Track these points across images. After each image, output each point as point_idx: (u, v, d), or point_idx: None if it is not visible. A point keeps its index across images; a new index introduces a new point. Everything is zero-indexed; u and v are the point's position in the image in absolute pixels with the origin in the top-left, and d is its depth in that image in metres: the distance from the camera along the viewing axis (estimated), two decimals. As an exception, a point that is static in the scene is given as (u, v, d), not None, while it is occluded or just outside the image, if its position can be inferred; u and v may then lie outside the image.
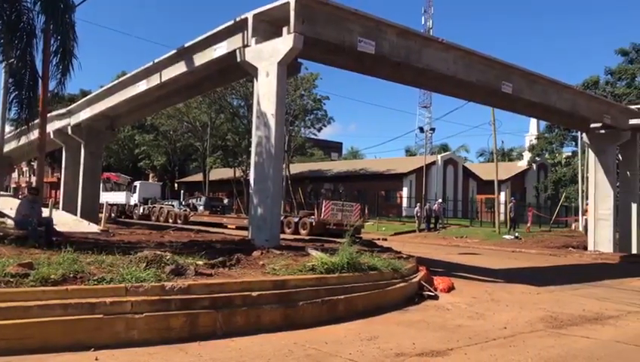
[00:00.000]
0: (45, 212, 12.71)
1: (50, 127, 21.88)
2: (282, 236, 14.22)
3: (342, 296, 7.24)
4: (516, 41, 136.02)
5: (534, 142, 49.58)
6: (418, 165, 43.41)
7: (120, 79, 21.30)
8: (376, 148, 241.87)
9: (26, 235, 9.68)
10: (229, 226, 30.01)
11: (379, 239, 22.42)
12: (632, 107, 24.12)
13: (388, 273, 8.67)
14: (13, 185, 63.12)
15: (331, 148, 76.67)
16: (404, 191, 45.46)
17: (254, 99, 12.74)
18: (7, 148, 24.35)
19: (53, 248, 8.32)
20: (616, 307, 9.13)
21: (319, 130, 46.79)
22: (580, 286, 11.98)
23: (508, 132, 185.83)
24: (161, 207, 37.51)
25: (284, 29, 11.56)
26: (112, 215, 36.53)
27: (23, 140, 18.72)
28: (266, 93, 11.95)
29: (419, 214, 33.74)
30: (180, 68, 15.79)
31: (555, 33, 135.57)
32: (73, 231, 13.62)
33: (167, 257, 6.99)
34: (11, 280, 5.58)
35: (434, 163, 46.80)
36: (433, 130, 53.05)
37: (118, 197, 41.32)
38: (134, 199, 40.61)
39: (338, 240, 11.42)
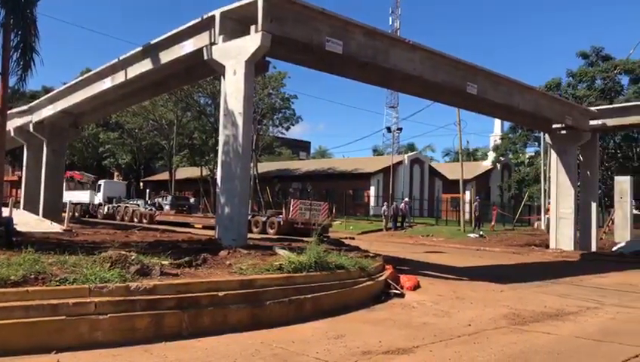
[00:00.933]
0: (5, 211, 12.37)
1: (11, 125, 21.35)
2: (250, 235, 14.16)
3: (309, 295, 7.26)
4: (481, 42, 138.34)
5: (498, 142, 50.58)
6: (385, 165, 43.78)
7: (84, 76, 20.89)
8: (344, 148, 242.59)
9: (-16, 236, 9.41)
10: (195, 226, 29.76)
11: (346, 238, 22.53)
12: (592, 109, 24.84)
13: (355, 272, 8.73)
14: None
15: (299, 148, 76.65)
16: (372, 191, 45.77)
17: (221, 98, 12.66)
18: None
19: (13, 248, 8.10)
20: (576, 303, 9.37)
21: (287, 129, 46.78)
22: (542, 283, 12.26)
23: (473, 132, 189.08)
24: (127, 207, 36.96)
25: (252, 28, 11.51)
26: (76, 214, 35.82)
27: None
28: (233, 91, 11.88)
29: (386, 213, 34.04)
30: (145, 65, 15.58)
31: (519, 36, 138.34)
32: (35, 231, 13.29)
33: (132, 257, 6.90)
34: (-31, 281, 5.42)
35: (401, 162, 47.25)
36: (400, 129, 53.69)
37: (81, 197, 40.53)
38: (99, 198, 39.91)
39: (306, 239, 11.44)
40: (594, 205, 23.72)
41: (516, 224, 37.08)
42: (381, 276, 9.53)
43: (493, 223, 34.21)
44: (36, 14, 11.88)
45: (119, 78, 16.94)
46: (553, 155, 24.06)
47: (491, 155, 54.40)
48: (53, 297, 5.37)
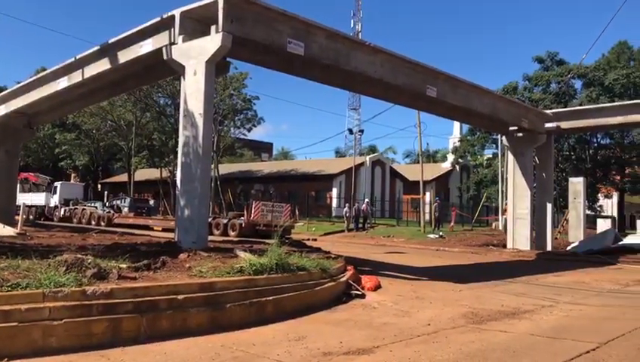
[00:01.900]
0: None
1: (-39, 125, 20.59)
2: (211, 238, 14.02)
3: (270, 297, 7.23)
4: (441, 45, 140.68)
5: (457, 144, 51.48)
6: (347, 166, 44.03)
7: (39, 75, 20.34)
8: (306, 149, 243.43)
9: None
10: (155, 228, 29.28)
11: (309, 239, 22.54)
12: (548, 112, 25.55)
13: (316, 273, 8.74)
14: None
15: (262, 149, 76.36)
16: (334, 192, 45.97)
17: (181, 98, 12.50)
18: None
19: (-38, 253, 7.80)
20: (532, 302, 9.61)
21: (249, 130, 46.61)
22: (500, 282, 12.52)
23: (433, 134, 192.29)
24: (84, 209, 36.12)
25: (213, 28, 11.42)
26: (31, 217, 34.85)
27: None
28: (193, 91, 11.74)
29: (348, 214, 34.24)
30: (103, 65, 15.26)
31: (479, 39, 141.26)
32: (-14, 235, 12.84)
33: (89, 261, 6.74)
34: None
35: (363, 164, 47.59)
36: (362, 131, 53.87)
37: (36, 199, 39.41)
38: (54, 200, 38.85)
39: (268, 241, 11.39)
40: (549, 206, 24.38)
41: (475, 224, 37.79)
42: (343, 277, 9.56)
43: (452, 224, 34.78)
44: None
45: (76, 77, 16.53)
46: (510, 157, 24.63)
47: (450, 157, 55.35)
48: (5, 303, 5.18)
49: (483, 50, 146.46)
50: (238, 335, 6.17)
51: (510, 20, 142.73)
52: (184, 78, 12.17)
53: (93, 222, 33.33)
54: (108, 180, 58.94)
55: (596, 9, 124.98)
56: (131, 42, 13.99)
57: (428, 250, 24.10)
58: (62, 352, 5.07)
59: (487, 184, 42.01)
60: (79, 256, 6.92)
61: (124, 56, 14.37)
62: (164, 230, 26.71)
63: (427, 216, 35.03)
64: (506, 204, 26.90)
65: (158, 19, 12.77)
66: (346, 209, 35.15)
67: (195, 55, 11.75)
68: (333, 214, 42.88)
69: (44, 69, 25.44)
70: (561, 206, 33.51)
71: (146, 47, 13.41)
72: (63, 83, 17.29)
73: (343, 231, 33.22)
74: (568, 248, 24.70)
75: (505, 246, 24.36)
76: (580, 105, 32.08)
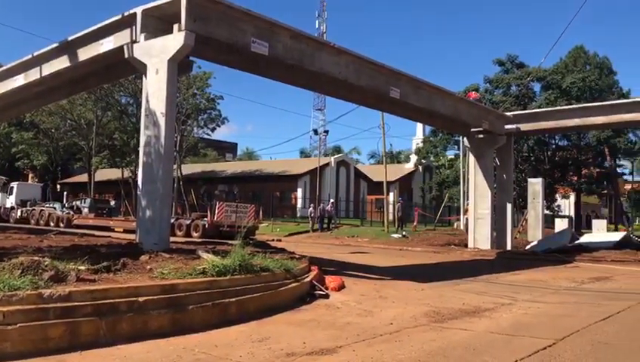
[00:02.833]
0: None
1: None
2: (173, 239, 13.84)
3: (233, 299, 7.18)
4: (405, 47, 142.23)
5: (420, 145, 52.10)
6: (312, 167, 44.10)
7: (-7, 72, 19.68)
8: (271, 150, 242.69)
9: None
10: (116, 229, 28.71)
11: (273, 240, 22.50)
12: (508, 114, 26.11)
13: (280, 274, 8.72)
14: None
15: (226, 149, 75.80)
16: (299, 192, 45.96)
17: (143, 97, 12.30)
18: None
19: None
20: (492, 300, 9.80)
21: (213, 130, 46.15)
22: (461, 281, 12.72)
23: (397, 135, 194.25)
24: (42, 210, 35.16)
25: (175, 26, 11.30)
26: (-16, 219, 33.73)
27: None
28: (155, 91, 11.58)
29: (313, 215, 34.28)
30: (62, 62, 14.90)
31: (442, 41, 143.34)
32: (-63, 237, 12.38)
33: (46, 263, 6.56)
34: None
35: (327, 164, 47.73)
36: (327, 132, 54.34)
37: (-9, 200, 38.19)
38: (11, 201, 37.71)
39: (231, 242, 11.33)
40: (509, 206, 24.92)
41: (437, 224, 38.31)
42: (306, 277, 9.57)
43: (415, 224, 35.21)
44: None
45: (33, 75, 16.09)
46: (471, 158, 25.08)
47: (414, 158, 56.04)
48: (-43, 308, 5.02)
49: (446, 53, 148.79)
50: (201, 337, 6.11)
51: (472, 23, 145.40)
52: (146, 77, 12.00)
53: (51, 224, 32.49)
54: (67, 180, 57.57)
55: (555, 14, 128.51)
56: (91, 40, 13.72)
57: (391, 249, 24.33)
58: (17, 358, 4.93)
59: (449, 184, 42.66)
60: (36, 258, 6.74)
61: (84, 53, 14.08)
62: (126, 231, 26.21)
63: (391, 216, 35.35)
64: (468, 204, 27.40)
65: (119, 16, 12.55)
66: (310, 209, 35.19)
67: (157, 53, 11.59)
68: (298, 215, 42.87)
69: (0, 66, 24.67)
70: (521, 206, 34.27)
71: (107, 44, 13.16)
72: (19, 81, 16.82)
73: (307, 231, 33.25)
74: (527, 247, 25.32)
75: (466, 245, 24.79)
76: (539, 107, 32.87)
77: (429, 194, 48.70)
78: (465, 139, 26.12)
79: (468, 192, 26.98)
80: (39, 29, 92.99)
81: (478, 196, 24.29)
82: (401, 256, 20.88)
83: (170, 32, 11.43)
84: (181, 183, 40.02)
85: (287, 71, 15.14)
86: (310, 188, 44.41)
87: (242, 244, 8.65)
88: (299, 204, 45.32)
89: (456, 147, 41.94)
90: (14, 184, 39.61)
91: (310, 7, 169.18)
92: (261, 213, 28.99)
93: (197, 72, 37.49)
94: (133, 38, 12.12)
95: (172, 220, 23.93)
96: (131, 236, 16.88)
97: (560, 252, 22.34)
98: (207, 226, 25.47)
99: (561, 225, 30.50)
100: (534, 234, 27.56)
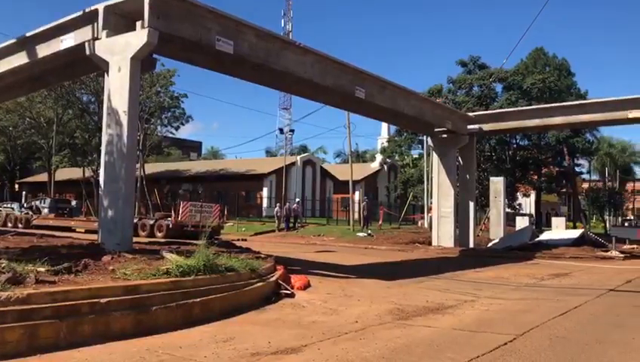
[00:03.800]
0: None
1: None
2: (136, 239, 13.63)
3: (198, 299, 7.13)
4: (371, 47, 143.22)
5: (385, 144, 52.51)
6: (278, 166, 43.96)
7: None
8: (237, 149, 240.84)
9: None
10: (77, 230, 28.05)
11: (238, 240, 22.36)
12: (470, 114, 26.55)
13: (245, 273, 8.69)
14: None
15: (190, 148, 74.97)
16: (265, 192, 45.75)
17: (105, 95, 12.08)
18: None
19: None
20: (455, 297, 9.98)
21: (177, 128, 45.47)
22: (425, 278, 12.91)
23: (362, 135, 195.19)
24: (-1, 210, 34.14)
25: (138, 24, 11.12)
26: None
27: None
28: (117, 88, 11.38)
29: (279, 214, 34.20)
30: (21, 59, 14.51)
31: (407, 41, 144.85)
32: None
33: (3, 265, 6.40)
34: None
35: (293, 164, 47.64)
36: (293, 131, 54.23)
37: (-55, 200, 36.90)
38: (-35, 202, 36.51)
39: (196, 242, 11.21)
40: (472, 204, 25.35)
41: (402, 223, 38.68)
42: (272, 277, 9.56)
43: (380, 222, 35.45)
44: None
45: (-10, 72, 15.62)
46: (435, 157, 25.42)
47: (379, 157, 56.44)
48: None
49: (410, 53, 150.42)
50: (165, 338, 6.05)
51: (436, 24, 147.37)
52: (108, 75, 11.79)
53: (9, 224, 31.53)
54: (26, 180, 56.06)
55: (516, 16, 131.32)
56: (51, 36, 13.39)
57: (357, 248, 24.48)
58: (-28, 362, 4.80)
59: (413, 183, 43.05)
60: (-8, 260, 6.56)
61: (44, 50, 13.74)
62: (88, 232, 25.66)
63: (356, 215, 35.52)
64: (431, 203, 27.74)
65: (80, 13, 12.28)
66: (276, 208, 35.10)
67: (119, 51, 11.40)
68: (264, 214, 42.70)
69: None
70: (483, 204, 34.86)
71: (68, 41, 12.87)
72: (-26, 77, 16.28)
73: (273, 230, 33.17)
74: (489, 245, 25.81)
75: (430, 243, 25.12)
76: (501, 107, 33.45)
77: (394, 193, 49.08)
78: (429, 138, 26.46)
79: (432, 191, 27.33)
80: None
81: (441, 195, 24.64)
82: (367, 254, 21.04)
83: (133, 29, 11.25)
84: (144, 183, 39.37)
85: (252, 70, 15.07)
86: (276, 188, 44.27)
87: (207, 244, 8.58)
88: (265, 204, 45.12)
89: (420, 146, 42.33)
90: (-31, 184, 38.41)
91: (276, 6, 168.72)
92: (226, 212, 28.78)
93: (161, 70, 36.92)
94: (95, 35, 11.88)
95: (135, 220, 23.54)
96: (93, 236, 16.54)
97: (521, 249, 22.86)
98: (171, 226, 25.13)
99: (522, 223, 31.16)
100: (496, 232, 28.09)
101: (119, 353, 5.37)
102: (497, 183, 28.95)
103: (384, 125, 55.63)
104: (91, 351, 5.38)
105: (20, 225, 30.78)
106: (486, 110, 31.38)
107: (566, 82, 43.18)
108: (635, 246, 25.30)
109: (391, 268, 16.33)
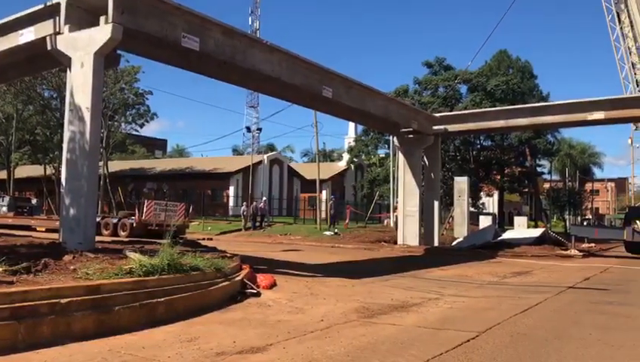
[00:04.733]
0: None
1: None
2: (99, 238, 13.37)
3: (162, 299, 7.03)
4: (339, 47, 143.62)
5: (352, 144, 52.78)
6: (245, 164, 43.73)
7: None
8: (203, 147, 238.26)
9: None
10: (38, 229, 27.36)
11: (204, 239, 22.17)
12: (436, 115, 26.90)
13: (211, 273, 8.62)
14: None
15: (155, 146, 73.93)
16: (231, 190, 45.45)
17: (67, 91, 11.80)
18: None
19: None
20: (419, 295, 10.10)
21: (141, 126, 44.79)
22: (390, 277, 13.03)
23: (330, 134, 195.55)
24: (-46, 209, 33.05)
25: (102, 19, 10.91)
26: None
27: None
28: (80, 84, 11.14)
29: (245, 213, 34.01)
30: (-23, 52, 14.05)
31: (374, 41, 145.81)
32: None
33: (-42, 265, 6.20)
34: None
35: (260, 162, 47.41)
36: (260, 129, 54.06)
37: None
38: None
39: (160, 241, 11.07)
40: (436, 203, 25.70)
41: (368, 222, 38.92)
42: (238, 276, 9.51)
43: (347, 221, 35.61)
44: None
45: (-56, 65, 15.10)
46: (401, 157, 25.68)
47: (346, 156, 56.65)
48: None
49: (377, 53, 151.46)
50: (127, 338, 5.96)
51: (403, 24, 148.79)
52: (70, 70, 11.52)
53: (-35, 223, 30.57)
54: (-17, 177, 54.42)
55: (481, 19, 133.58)
56: (9, 29, 13.02)
57: (324, 247, 24.54)
58: None
59: (380, 183, 43.35)
60: (-53, 260, 6.35)
61: (3, 44, 13.35)
62: (49, 231, 25.05)
63: (323, 214, 35.60)
64: (397, 202, 28.01)
65: (41, 6, 11.95)
66: (243, 207, 34.89)
67: (82, 46, 11.15)
68: (231, 213, 42.42)
69: None
70: (448, 203, 35.34)
71: (27, 35, 12.53)
72: None
73: (240, 230, 32.98)
74: (453, 243, 26.23)
75: (396, 242, 25.37)
76: (465, 108, 33.99)
77: (361, 192, 49.33)
78: (395, 138, 26.70)
79: (398, 190, 27.59)
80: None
81: (407, 194, 24.91)
82: (333, 253, 21.11)
83: (97, 24, 11.03)
84: (108, 181, 38.68)
85: (219, 67, 14.96)
86: (243, 186, 44.01)
87: (171, 243, 8.47)
88: (231, 202, 44.82)
89: (386, 146, 42.67)
90: None
91: (247, 5, 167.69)
92: (192, 211, 28.44)
93: (125, 66, 36.29)
94: (57, 30, 11.59)
95: (98, 219, 23.13)
96: (54, 236, 16.16)
97: (484, 248, 23.30)
98: (135, 225, 24.75)
99: (485, 222, 31.75)
100: (460, 231, 28.57)
101: (80, 354, 5.26)
102: (461, 183, 29.43)
103: (351, 125, 55.91)
104: (51, 352, 5.26)
105: (-24, 224, 29.84)
106: (451, 111, 31.88)
107: (529, 84, 44.14)
108: (593, 244, 26.09)
109: (357, 266, 16.42)
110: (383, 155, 47.49)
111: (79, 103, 11.07)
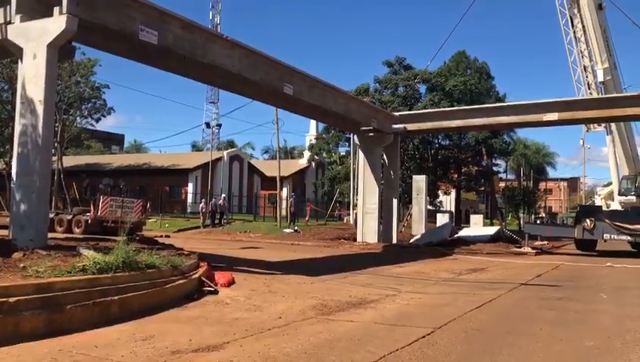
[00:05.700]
0: None
1: None
2: (53, 235, 13.03)
3: (116, 297, 6.90)
4: (301, 45, 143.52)
5: (313, 141, 52.84)
6: (204, 161, 43.26)
7: None
8: (161, 142, 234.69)
9: None
10: (-14, 225, 26.44)
11: (161, 236, 21.86)
12: (395, 114, 27.20)
13: (167, 270, 8.51)
14: None
15: (112, 141, 72.30)
16: (190, 187, 44.87)
17: (19, 83, 11.39)
18: None
19: None
20: (377, 291, 10.20)
21: (98, 120, 43.61)
22: (349, 274, 13.11)
23: (291, 131, 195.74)
24: None
25: (56, 9, 10.57)
26: None
27: None
28: (32, 77, 10.78)
29: (204, 210, 33.66)
30: None
31: (337, 40, 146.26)
32: None
33: None
34: None
35: (220, 159, 46.92)
36: (220, 125, 53.53)
37: None
38: None
39: (116, 238, 10.85)
40: (395, 201, 26.00)
41: (328, 219, 39.07)
42: (195, 274, 9.41)
43: (307, 218, 35.67)
44: None
45: None
46: (361, 155, 25.86)
47: (307, 154, 56.72)
48: None
49: (339, 50, 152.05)
50: (80, 337, 5.82)
51: (363, 23, 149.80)
52: (22, 62, 11.12)
53: None
54: None
55: (441, 19, 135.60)
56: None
57: (283, 244, 24.51)
58: None
59: (340, 180, 43.55)
60: None
61: (-53, 32, 12.79)
62: (-2, 227, 24.26)
63: (284, 212, 35.55)
64: (357, 200, 28.20)
65: (-10, -6, 11.52)
66: (202, 204, 34.52)
67: (35, 37, 10.79)
68: (189, 210, 41.88)
69: None
70: (406, 201, 35.76)
71: (-25, 24, 12.04)
72: None
73: (198, 227, 32.63)
74: (411, 241, 26.58)
75: (355, 239, 25.55)
76: (424, 108, 34.45)
77: (322, 189, 49.46)
78: (355, 136, 26.88)
79: (358, 188, 27.78)
80: None
81: (366, 192, 25.11)
82: (293, 250, 21.10)
83: (51, 14, 10.69)
84: (62, 176, 37.62)
85: (178, 62, 14.74)
86: (202, 183, 43.51)
87: (127, 240, 8.33)
88: (189, 199, 44.23)
89: (347, 144, 42.84)
90: None
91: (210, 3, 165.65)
92: (149, 208, 27.95)
93: (81, 59, 35.33)
94: (8, 19, 11.17)
95: (51, 215, 22.50)
96: (4, 232, 15.64)
97: (441, 245, 23.71)
98: (89, 222, 24.14)
99: (442, 219, 32.32)
100: (418, 228, 28.98)
101: (29, 354, 5.11)
102: (420, 181, 29.86)
103: (313, 122, 55.93)
104: (-2, 353, 5.09)
105: None
106: (410, 110, 32.24)
107: (486, 85, 45.04)
108: (545, 242, 26.86)
109: (316, 264, 16.47)
110: (344, 153, 47.73)
111: (31, 96, 10.71)
